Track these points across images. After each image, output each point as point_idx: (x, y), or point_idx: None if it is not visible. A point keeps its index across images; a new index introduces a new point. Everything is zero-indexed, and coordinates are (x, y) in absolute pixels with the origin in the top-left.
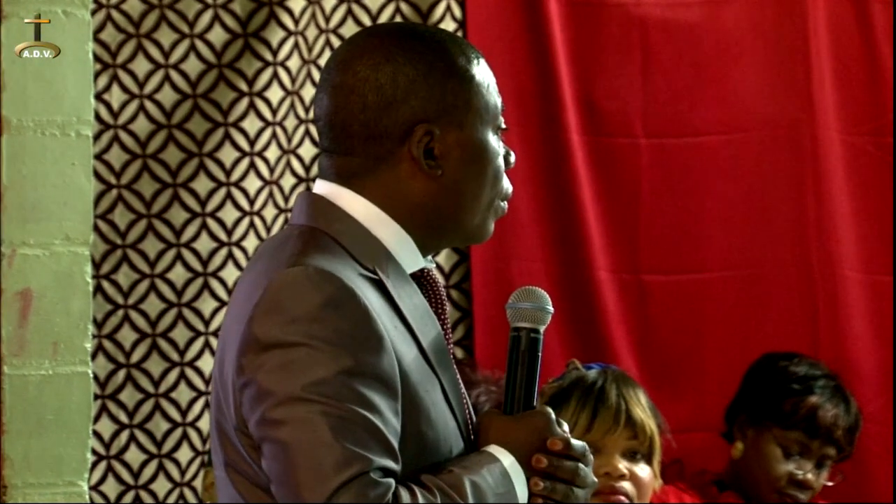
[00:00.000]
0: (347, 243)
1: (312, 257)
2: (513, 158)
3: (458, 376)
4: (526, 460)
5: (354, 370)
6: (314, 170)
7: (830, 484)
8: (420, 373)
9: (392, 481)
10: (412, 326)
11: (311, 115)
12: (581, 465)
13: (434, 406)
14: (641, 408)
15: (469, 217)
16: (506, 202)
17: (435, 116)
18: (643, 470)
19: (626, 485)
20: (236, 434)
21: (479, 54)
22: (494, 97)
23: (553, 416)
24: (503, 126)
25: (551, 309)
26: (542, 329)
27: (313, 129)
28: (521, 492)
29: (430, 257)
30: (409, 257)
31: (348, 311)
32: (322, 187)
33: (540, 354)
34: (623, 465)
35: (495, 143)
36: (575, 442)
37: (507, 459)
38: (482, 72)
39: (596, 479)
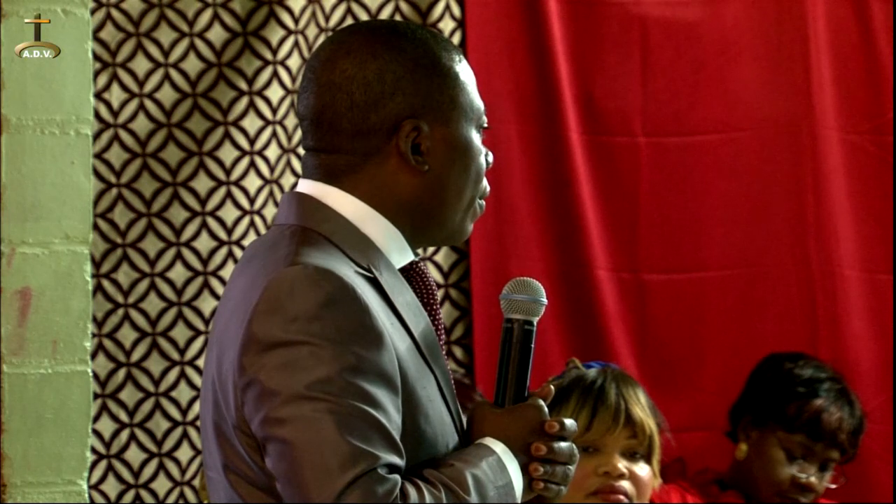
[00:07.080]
0: (339, 241)
1: (309, 256)
2: (491, 158)
3: (448, 369)
4: (519, 449)
5: (357, 367)
6: None
7: (833, 486)
8: (416, 368)
9: (398, 477)
10: (406, 322)
11: None
12: (573, 445)
13: (430, 401)
14: (641, 407)
15: (451, 214)
16: (483, 202)
17: (422, 112)
18: (642, 469)
19: (626, 484)
20: (236, 434)
21: (461, 53)
22: (477, 96)
23: (545, 408)
24: (485, 125)
25: (545, 301)
26: (535, 321)
27: None
28: (517, 481)
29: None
30: (399, 252)
31: (348, 308)
32: (308, 186)
33: (533, 347)
34: (622, 465)
35: (478, 141)
36: (567, 422)
37: (500, 449)
38: (465, 70)
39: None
